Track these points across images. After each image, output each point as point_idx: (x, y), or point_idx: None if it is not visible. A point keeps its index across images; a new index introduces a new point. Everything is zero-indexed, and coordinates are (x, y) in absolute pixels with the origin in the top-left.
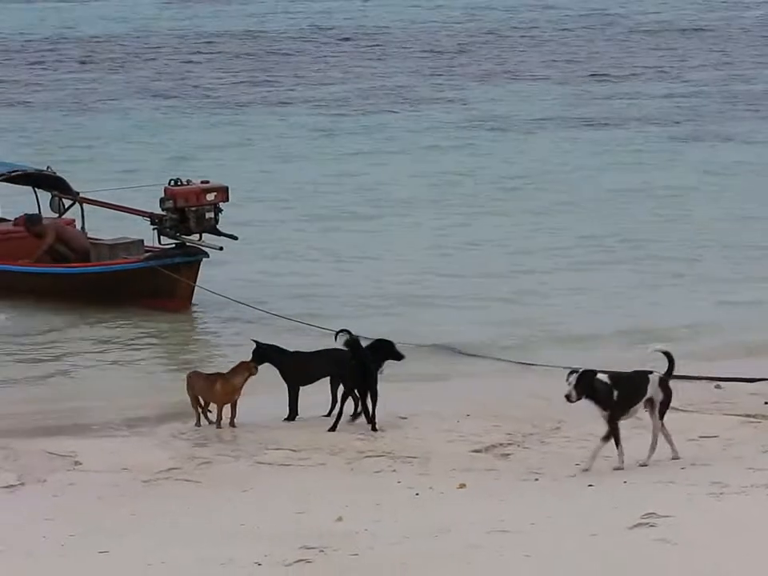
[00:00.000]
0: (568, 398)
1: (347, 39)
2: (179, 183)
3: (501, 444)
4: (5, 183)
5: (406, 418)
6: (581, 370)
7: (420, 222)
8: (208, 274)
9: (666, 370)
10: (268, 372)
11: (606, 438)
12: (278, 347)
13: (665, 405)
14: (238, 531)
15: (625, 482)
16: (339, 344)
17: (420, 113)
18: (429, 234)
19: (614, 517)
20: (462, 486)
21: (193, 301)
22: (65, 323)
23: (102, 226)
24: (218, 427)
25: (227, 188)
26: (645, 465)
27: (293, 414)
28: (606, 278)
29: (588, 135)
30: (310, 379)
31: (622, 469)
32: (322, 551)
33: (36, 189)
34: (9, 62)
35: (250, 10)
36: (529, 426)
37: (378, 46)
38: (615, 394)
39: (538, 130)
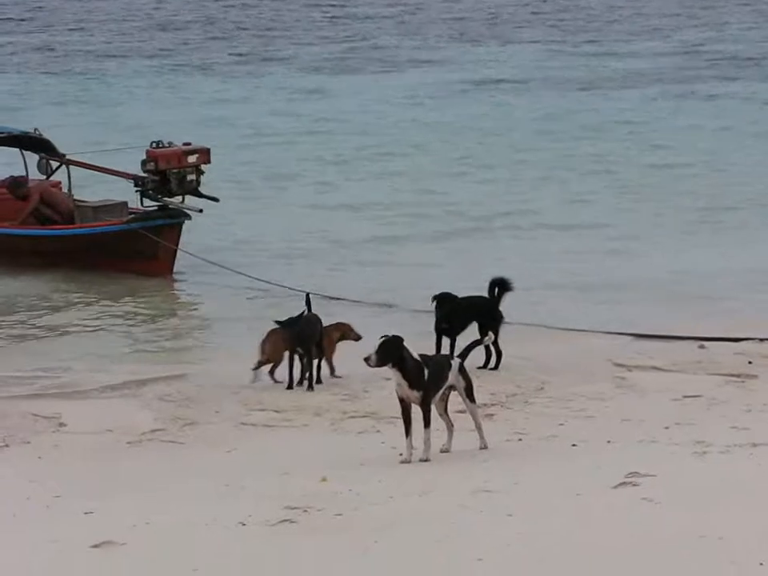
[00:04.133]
0: (367, 361)
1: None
2: (161, 145)
3: (484, 404)
4: None
5: (389, 379)
6: (389, 336)
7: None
8: (190, 237)
9: (461, 352)
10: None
11: (428, 423)
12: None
13: (469, 389)
14: (222, 491)
15: (608, 441)
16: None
17: (403, 73)
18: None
19: (597, 476)
20: (446, 450)
21: (175, 264)
22: (48, 286)
23: (86, 188)
24: (318, 382)
25: (209, 150)
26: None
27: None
28: (602, 232)
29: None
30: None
31: (429, 460)
32: (306, 511)
33: (23, 151)
34: None
35: None
36: (512, 387)
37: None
38: (426, 374)
39: (527, 92)
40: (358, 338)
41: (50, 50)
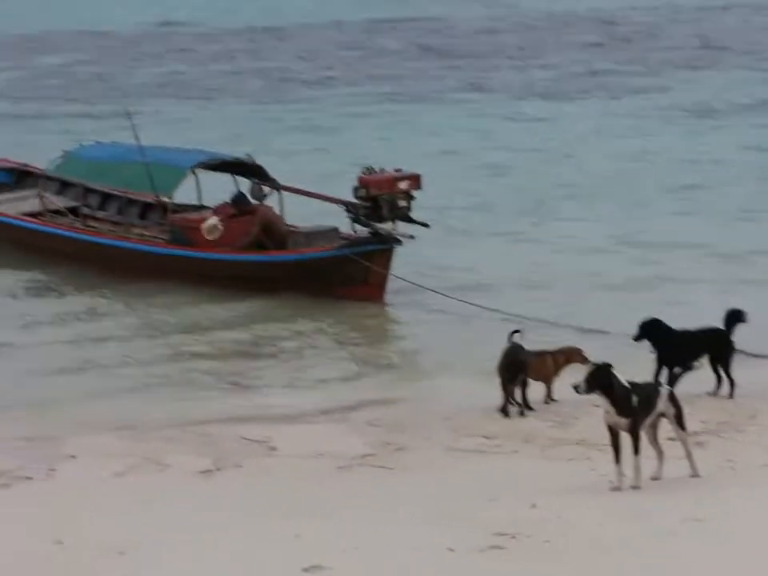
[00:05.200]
0: (576, 388)
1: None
2: (372, 171)
3: (695, 432)
4: (205, 171)
5: (599, 406)
6: (598, 364)
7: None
8: (401, 262)
9: (671, 380)
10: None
11: (637, 450)
12: None
13: (679, 417)
14: (430, 517)
15: None
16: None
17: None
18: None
19: None
20: (656, 477)
21: (387, 289)
22: (260, 312)
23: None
24: (546, 402)
25: (419, 176)
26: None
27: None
28: None
29: None
30: None
31: (639, 487)
32: (515, 537)
33: (235, 176)
34: (192, 53)
35: None
36: (724, 415)
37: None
38: (635, 401)
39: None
40: (586, 362)
41: (268, 77)
